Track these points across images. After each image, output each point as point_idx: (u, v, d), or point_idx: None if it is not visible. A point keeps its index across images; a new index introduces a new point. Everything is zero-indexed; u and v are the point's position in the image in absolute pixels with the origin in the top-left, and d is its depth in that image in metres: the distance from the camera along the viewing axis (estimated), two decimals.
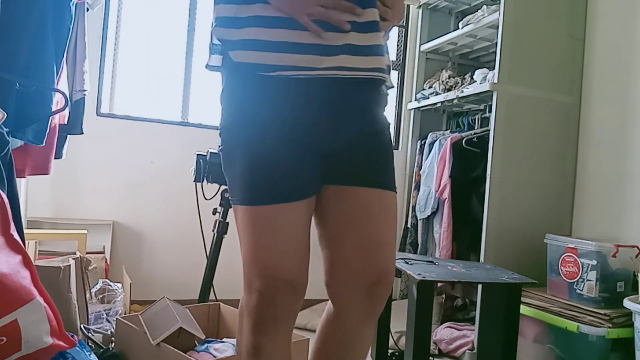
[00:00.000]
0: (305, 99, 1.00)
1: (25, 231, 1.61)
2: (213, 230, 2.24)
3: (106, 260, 2.41)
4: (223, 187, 2.24)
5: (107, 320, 1.99)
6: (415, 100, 3.04)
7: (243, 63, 1.01)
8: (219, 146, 1.07)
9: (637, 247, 1.89)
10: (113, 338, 1.84)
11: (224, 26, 1.03)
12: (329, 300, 1.12)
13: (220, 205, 2.25)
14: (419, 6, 3.12)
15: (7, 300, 1.07)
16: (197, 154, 2.18)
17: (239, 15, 1.01)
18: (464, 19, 2.62)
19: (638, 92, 2.10)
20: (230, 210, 2.25)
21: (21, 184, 2.38)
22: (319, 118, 1.01)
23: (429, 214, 2.61)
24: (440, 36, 2.88)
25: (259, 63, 0.99)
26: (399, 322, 2.05)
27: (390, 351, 2.32)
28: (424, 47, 3.05)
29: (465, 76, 2.74)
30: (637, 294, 1.76)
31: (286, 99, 1.01)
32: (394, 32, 3.33)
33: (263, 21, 0.99)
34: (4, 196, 1.20)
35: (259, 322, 1.04)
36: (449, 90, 2.76)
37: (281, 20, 0.99)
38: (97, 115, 2.79)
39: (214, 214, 2.26)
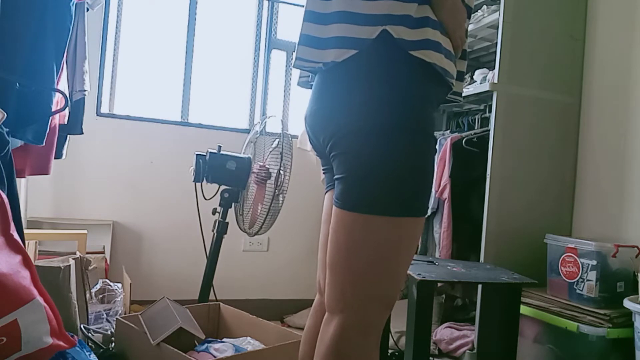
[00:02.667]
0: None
1: (25, 231, 1.61)
2: (213, 230, 2.24)
3: (106, 260, 2.41)
4: (223, 187, 2.24)
5: (107, 320, 1.99)
6: None
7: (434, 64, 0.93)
8: (399, 147, 0.90)
9: (637, 247, 1.89)
10: (113, 338, 1.84)
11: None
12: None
13: (219, 205, 2.25)
14: None
15: (7, 300, 1.07)
16: (197, 154, 2.17)
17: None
18: None
19: (638, 92, 2.10)
20: (231, 210, 2.26)
21: (21, 184, 2.38)
22: None
23: (429, 214, 2.61)
24: None
25: (447, 70, 0.95)
26: (399, 322, 2.05)
27: (390, 351, 2.32)
28: None
29: (465, 76, 2.74)
30: (637, 294, 1.75)
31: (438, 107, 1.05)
32: None
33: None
34: (4, 196, 1.20)
35: (379, 336, 0.96)
36: None
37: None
38: (97, 115, 2.80)
39: (213, 214, 2.26)
